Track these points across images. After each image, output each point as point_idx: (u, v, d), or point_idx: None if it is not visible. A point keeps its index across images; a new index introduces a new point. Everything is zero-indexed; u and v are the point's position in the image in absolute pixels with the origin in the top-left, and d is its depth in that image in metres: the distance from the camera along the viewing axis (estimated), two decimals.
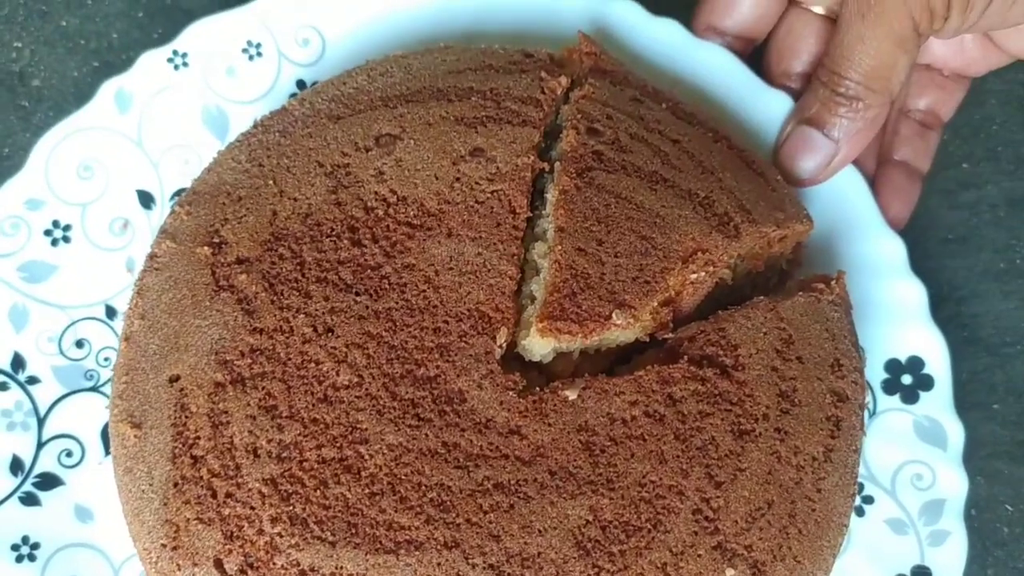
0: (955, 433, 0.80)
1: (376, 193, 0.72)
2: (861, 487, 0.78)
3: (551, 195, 0.72)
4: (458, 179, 0.72)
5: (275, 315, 0.69)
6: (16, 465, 0.77)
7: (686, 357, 0.70)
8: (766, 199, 0.75)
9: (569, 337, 0.68)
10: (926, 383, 0.81)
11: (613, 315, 0.68)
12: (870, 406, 0.80)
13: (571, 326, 0.67)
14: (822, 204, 0.82)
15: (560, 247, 0.69)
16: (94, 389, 0.80)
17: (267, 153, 0.74)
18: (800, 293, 0.74)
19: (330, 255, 0.70)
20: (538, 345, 0.69)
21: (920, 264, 0.83)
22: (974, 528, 0.85)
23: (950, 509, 0.78)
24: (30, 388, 0.79)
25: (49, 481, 0.78)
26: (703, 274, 0.71)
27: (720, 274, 0.74)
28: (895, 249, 0.82)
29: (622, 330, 0.69)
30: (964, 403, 0.82)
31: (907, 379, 0.81)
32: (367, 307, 0.69)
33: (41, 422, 0.78)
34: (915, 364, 0.81)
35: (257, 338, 0.69)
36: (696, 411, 0.68)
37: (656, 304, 0.70)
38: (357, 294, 0.69)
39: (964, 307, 0.90)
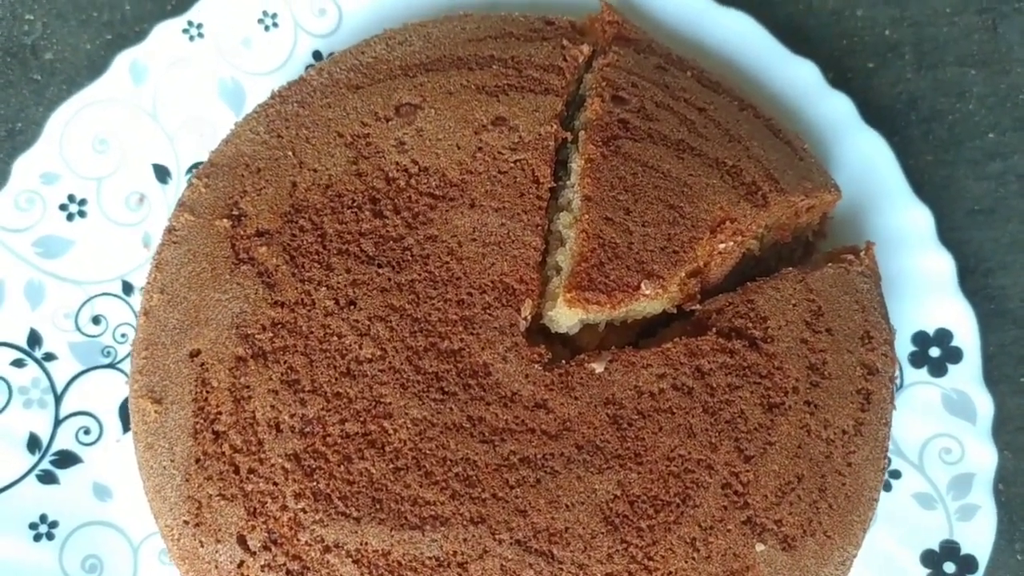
0: (984, 406, 0.79)
1: (397, 163, 0.71)
2: (888, 461, 0.77)
3: (575, 165, 0.71)
4: (480, 149, 0.71)
5: (296, 288, 0.68)
6: (33, 443, 0.77)
7: (714, 329, 0.69)
8: (794, 168, 0.74)
9: (597, 308, 0.67)
10: (954, 356, 0.80)
11: (642, 285, 0.67)
12: (897, 380, 0.79)
13: (599, 296, 0.66)
14: (848, 174, 0.81)
15: (587, 216, 0.68)
16: (111, 366, 0.79)
17: (285, 124, 0.73)
18: (829, 264, 0.73)
19: (351, 227, 0.69)
20: (564, 317, 0.68)
21: (946, 236, 0.82)
22: (1002, 503, 0.84)
23: (979, 483, 0.78)
24: (47, 365, 0.78)
25: (67, 459, 0.77)
26: (732, 244, 0.70)
27: (748, 244, 0.73)
28: (923, 220, 0.81)
29: (650, 301, 0.68)
30: (991, 376, 0.82)
31: (935, 352, 0.80)
32: (390, 279, 0.68)
33: (58, 399, 0.78)
34: (943, 336, 0.80)
35: (278, 311, 0.68)
36: (725, 384, 0.67)
37: (684, 275, 0.69)
38: (379, 266, 0.68)
39: (991, 279, 0.89)
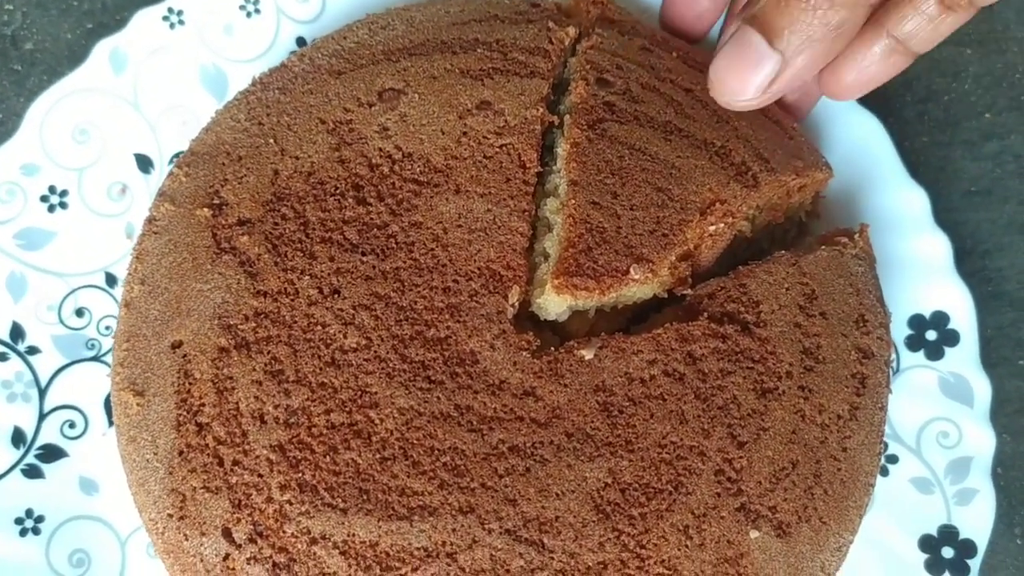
0: (982, 389, 0.78)
1: (381, 149, 0.70)
2: (885, 446, 0.76)
3: (561, 149, 0.70)
4: (465, 133, 0.70)
5: (279, 277, 0.67)
6: (18, 437, 0.76)
7: (706, 314, 0.68)
8: (783, 147, 0.73)
9: (586, 293, 0.66)
10: (951, 338, 0.79)
11: (631, 270, 0.66)
12: (893, 363, 0.78)
13: (587, 282, 0.65)
14: (842, 156, 0.80)
15: (574, 201, 0.67)
16: (96, 359, 0.78)
17: (267, 111, 0.72)
18: (823, 247, 0.72)
19: (334, 214, 0.68)
20: (553, 303, 0.67)
21: (942, 217, 0.81)
22: (1000, 487, 0.84)
23: (977, 467, 0.77)
24: (30, 358, 0.77)
25: (52, 453, 0.76)
26: (722, 226, 0.69)
27: (739, 226, 0.72)
28: (918, 201, 0.80)
29: (640, 285, 0.67)
30: (989, 359, 0.81)
31: (931, 335, 0.79)
32: (374, 267, 0.67)
33: (42, 393, 0.77)
34: (940, 319, 0.79)
35: (261, 301, 0.67)
36: (717, 369, 0.67)
37: (674, 258, 0.68)
38: (363, 254, 0.67)
39: (988, 260, 0.88)
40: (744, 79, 0.61)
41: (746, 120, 0.73)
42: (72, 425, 0.77)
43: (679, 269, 0.68)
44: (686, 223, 0.68)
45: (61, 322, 0.78)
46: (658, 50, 0.75)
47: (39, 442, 0.76)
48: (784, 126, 0.75)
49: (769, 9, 0.59)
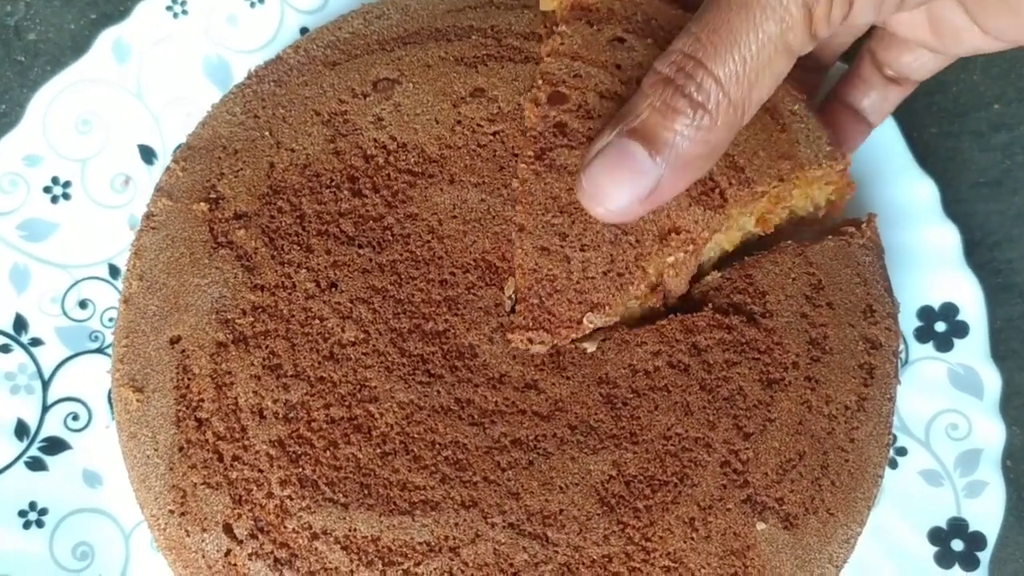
0: (991, 381, 0.77)
1: (375, 140, 0.69)
2: (894, 438, 0.76)
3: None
4: (459, 122, 0.69)
5: (276, 271, 0.67)
6: (21, 429, 0.76)
7: (711, 305, 0.67)
8: (768, 146, 0.68)
9: (542, 347, 0.65)
10: (960, 330, 0.78)
11: (584, 319, 0.64)
12: (902, 355, 0.78)
13: (543, 335, 0.64)
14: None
15: (521, 249, 0.65)
16: (99, 351, 0.78)
17: (262, 104, 0.72)
18: (829, 237, 0.71)
19: (330, 207, 0.68)
20: None
21: (951, 208, 0.81)
22: (1010, 479, 0.83)
23: (987, 459, 0.76)
24: (33, 350, 0.77)
25: (56, 445, 0.76)
26: (682, 255, 0.66)
27: (706, 253, 0.68)
28: (927, 192, 0.79)
29: (600, 326, 0.66)
30: (998, 351, 0.80)
31: (941, 326, 0.79)
32: (371, 260, 0.67)
33: (46, 385, 0.77)
34: (949, 311, 0.79)
35: (259, 295, 0.66)
36: (722, 360, 0.66)
37: (642, 291, 0.66)
38: (360, 247, 0.67)
39: (998, 252, 0.87)
40: (623, 188, 0.59)
41: None
42: (75, 417, 0.77)
43: (650, 299, 0.67)
44: (643, 257, 0.65)
45: (64, 314, 0.78)
46: (632, 38, 0.70)
47: (42, 434, 0.76)
48: (779, 112, 0.69)
49: (653, 123, 0.58)
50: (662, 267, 0.66)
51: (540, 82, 0.68)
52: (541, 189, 0.66)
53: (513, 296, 0.66)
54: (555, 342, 0.65)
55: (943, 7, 0.63)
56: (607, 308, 0.64)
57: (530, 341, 0.64)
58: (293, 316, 0.66)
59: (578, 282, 0.64)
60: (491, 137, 0.68)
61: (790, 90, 0.70)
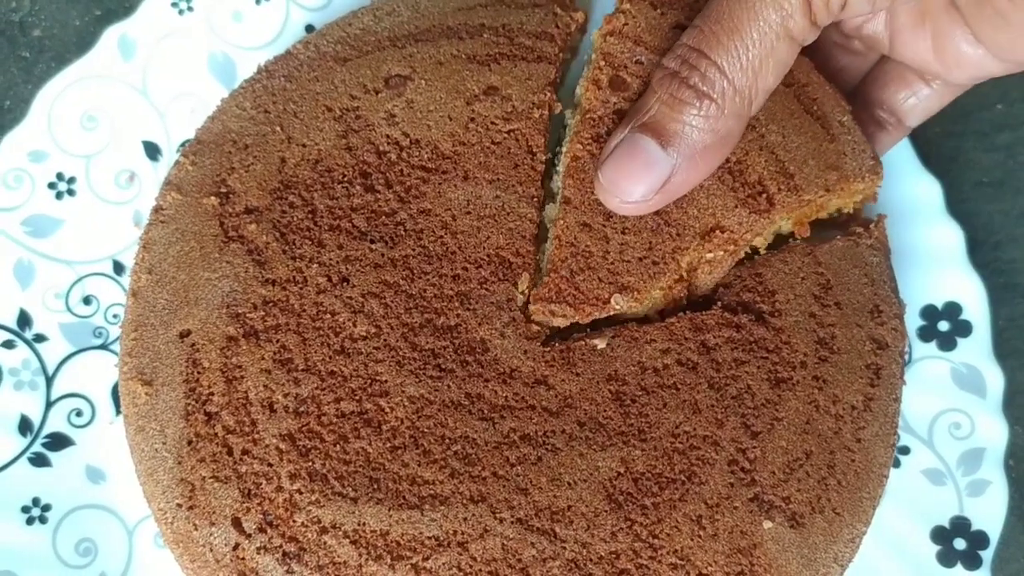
0: (994, 380, 0.78)
1: (388, 136, 0.69)
2: (897, 437, 0.76)
3: (567, 147, 0.68)
4: (472, 119, 0.69)
5: (287, 265, 0.67)
6: (25, 425, 0.75)
7: (720, 303, 0.67)
8: (818, 156, 0.69)
9: (563, 320, 0.65)
10: (964, 329, 0.79)
11: (612, 299, 0.65)
12: (906, 354, 0.78)
13: (565, 308, 0.65)
14: None
15: (563, 221, 0.66)
16: (103, 347, 0.78)
17: (273, 99, 0.72)
18: (838, 237, 0.71)
19: (342, 202, 0.68)
20: None
21: (955, 208, 0.81)
22: (1013, 478, 0.83)
23: (990, 458, 0.76)
24: (37, 346, 0.76)
25: (59, 441, 0.76)
26: (721, 253, 0.67)
27: (743, 252, 0.69)
28: (931, 192, 0.80)
29: (625, 310, 0.66)
30: (1001, 350, 0.80)
31: (944, 325, 0.79)
32: (383, 255, 0.67)
33: (49, 381, 0.76)
34: (952, 310, 0.79)
35: (270, 290, 0.66)
36: (731, 359, 0.66)
37: (665, 285, 0.66)
38: (372, 241, 0.67)
39: (1001, 252, 0.88)
40: (637, 181, 0.62)
41: (778, 122, 0.69)
42: (79, 413, 0.76)
43: (674, 291, 0.67)
44: (681, 250, 0.66)
45: (68, 310, 0.77)
46: None
47: (46, 430, 0.76)
48: (828, 122, 0.70)
49: (661, 116, 0.61)
50: (697, 262, 0.67)
51: (602, 63, 0.68)
52: (592, 168, 0.66)
53: (525, 292, 0.66)
54: (576, 318, 0.65)
55: (946, 22, 0.64)
56: (636, 293, 0.65)
57: (552, 314, 0.65)
58: (304, 310, 0.66)
59: (612, 263, 0.65)
60: (506, 135, 0.68)
61: (840, 100, 0.71)
